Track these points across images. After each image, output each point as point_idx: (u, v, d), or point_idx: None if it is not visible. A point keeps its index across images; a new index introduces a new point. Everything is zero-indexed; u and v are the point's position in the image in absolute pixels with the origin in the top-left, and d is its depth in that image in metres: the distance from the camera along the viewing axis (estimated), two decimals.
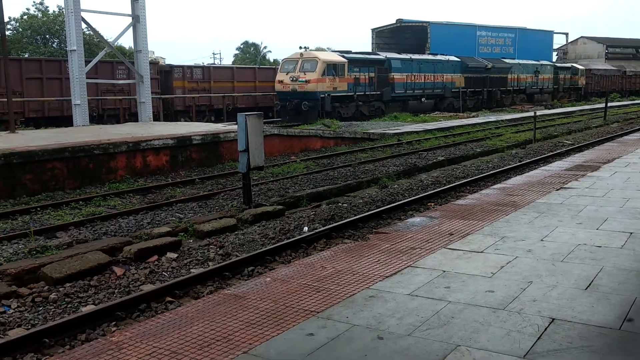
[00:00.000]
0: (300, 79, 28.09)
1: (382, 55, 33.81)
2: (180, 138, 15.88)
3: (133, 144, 14.53)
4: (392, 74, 32.55)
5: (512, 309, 4.43)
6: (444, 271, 5.35)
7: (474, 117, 31.92)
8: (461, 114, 34.33)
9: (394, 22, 48.09)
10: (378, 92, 31.58)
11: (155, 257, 7.72)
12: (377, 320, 4.27)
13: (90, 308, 6.03)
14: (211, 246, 8.19)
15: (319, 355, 3.73)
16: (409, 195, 11.44)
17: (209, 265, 7.40)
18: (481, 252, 5.95)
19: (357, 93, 30.24)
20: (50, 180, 12.81)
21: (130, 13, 21.17)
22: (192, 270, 7.27)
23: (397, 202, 10.47)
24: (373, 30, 48.63)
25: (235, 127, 16.11)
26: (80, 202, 11.40)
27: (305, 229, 8.88)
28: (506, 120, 29.45)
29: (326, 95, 28.13)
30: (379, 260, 5.74)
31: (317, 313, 4.41)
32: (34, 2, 57.58)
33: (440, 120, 28.94)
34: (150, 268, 7.29)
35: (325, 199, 11.50)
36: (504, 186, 9.95)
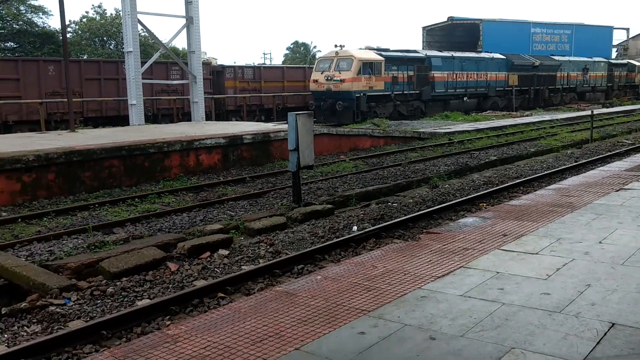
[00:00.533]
0: (335, 78, 27.13)
1: (422, 53, 32.64)
2: (231, 137, 16.12)
3: (186, 143, 14.85)
4: (433, 72, 31.33)
5: (569, 312, 4.31)
6: (498, 272, 5.26)
7: (527, 116, 31.18)
8: (514, 112, 33.56)
9: (446, 19, 47.45)
10: (417, 91, 30.48)
11: (208, 253, 7.86)
12: (429, 320, 4.23)
13: (145, 302, 6.20)
14: (261, 244, 8.28)
15: (371, 354, 3.72)
16: (460, 195, 11.26)
17: (259, 263, 7.48)
18: (536, 253, 5.81)
19: (394, 92, 29.09)
20: (108, 178, 13.23)
21: (184, 15, 21.63)
22: (243, 267, 7.38)
23: (448, 202, 10.33)
24: (424, 28, 48.11)
25: (285, 126, 16.27)
26: (136, 199, 11.73)
27: (355, 228, 8.87)
28: (561, 119, 28.63)
29: (362, 94, 27.14)
30: (430, 260, 5.69)
31: (369, 312, 4.40)
32: (92, 5, 59.81)
33: (492, 119, 28.38)
34: (202, 264, 7.43)
35: (375, 198, 11.44)
36: (559, 187, 9.68)
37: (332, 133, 19.94)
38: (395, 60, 29.51)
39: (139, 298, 6.41)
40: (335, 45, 28.96)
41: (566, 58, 42.96)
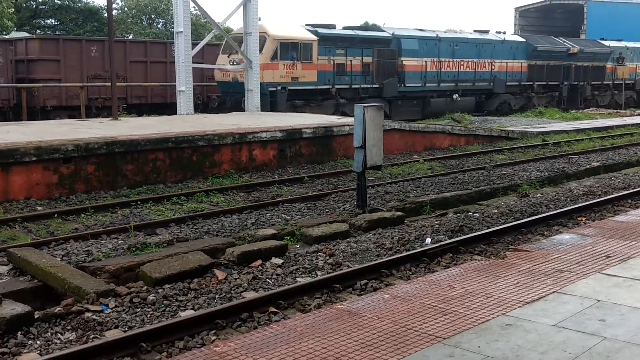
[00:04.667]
0: (242, 64, 22.71)
1: (388, 31, 27.05)
2: (289, 130, 16.29)
3: (239, 135, 15.11)
4: (402, 58, 26.35)
5: None
6: (598, 300, 5.13)
7: (639, 115, 30.11)
8: (622, 111, 32.46)
9: None
10: (376, 85, 25.63)
11: (259, 261, 7.98)
12: (514, 352, 4.16)
13: (189, 313, 6.35)
14: (320, 253, 8.34)
15: None
16: (554, 207, 11.03)
17: (317, 275, 7.53)
18: None
19: (336, 86, 24.31)
20: (152, 172, 13.63)
21: None
22: (298, 279, 7.45)
23: (540, 215, 10.14)
24: (516, 9, 47.28)
25: (350, 120, 16.30)
26: (182, 197, 12.03)
27: (428, 240, 8.81)
28: None
29: (278, 88, 22.67)
30: (517, 282, 5.59)
31: (444, 339, 4.37)
32: None
33: (596, 118, 27.63)
34: (253, 273, 7.55)
35: (453, 206, 11.33)
36: None
37: (405, 129, 19.85)
38: (340, 41, 24.73)
39: (182, 308, 6.57)
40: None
41: (623, 44, 37.86)
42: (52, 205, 11.65)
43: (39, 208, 11.38)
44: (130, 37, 44.11)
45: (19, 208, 11.29)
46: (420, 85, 27.27)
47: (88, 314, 6.31)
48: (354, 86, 25.07)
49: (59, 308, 6.48)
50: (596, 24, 43.95)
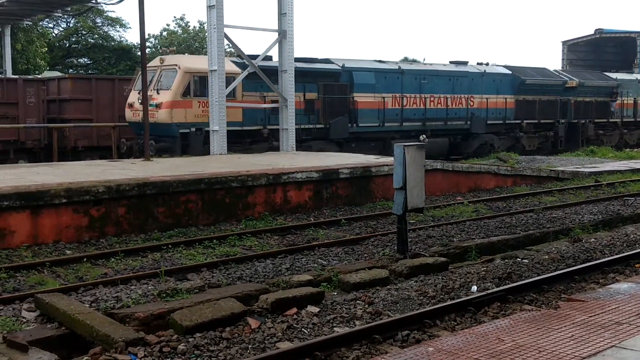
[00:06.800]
0: (151, 102, 20.50)
1: (337, 63, 24.83)
2: (326, 171, 16.35)
3: (273, 176, 15.21)
4: (355, 94, 24.32)
5: None
6: None
7: None
8: None
9: (592, 32, 46.22)
10: (321, 126, 23.62)
11: (294, 309, 7.93)
12: None
13: None
14: (358, 301, 8.27)
15: None
16: (609, 252, 10.82)
17: (355, 325, 7.45)
18: None
19: (269, 126, 22.34)
20: (184, 215, 13.76)
21: (276, 28, 22.38)
22: (335, 328, 7.37)
23: (594, 261, 9.95)
24: (564, 42, 47.12)
25: (390, 159, 16.29)
26: (214, 240, 12.11)
27: (474, 288, 8.68)
28: None
29: (192, 130, 20.77)
30: (572, 335, 5.45)
31: None
32: (174, 17, 63.51)
33: None
34: (288, 322, 7.50)
35: (500, 251, 11.19)
36: None
37: (448, 169, 19.80)
38: (276, 75, 22.35)
39: (213, 359, 6.54)
40: (163, 47, 20.57)
41: (634, 77, 35.06)
42: (81, 249, 11.84)
43: (68, 252, 11.57)
44: None
45: (47, 252, 11.49)
46: (377, 125, 25.10)
47: None
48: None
49: (87, 357, 6.51)
50: None
